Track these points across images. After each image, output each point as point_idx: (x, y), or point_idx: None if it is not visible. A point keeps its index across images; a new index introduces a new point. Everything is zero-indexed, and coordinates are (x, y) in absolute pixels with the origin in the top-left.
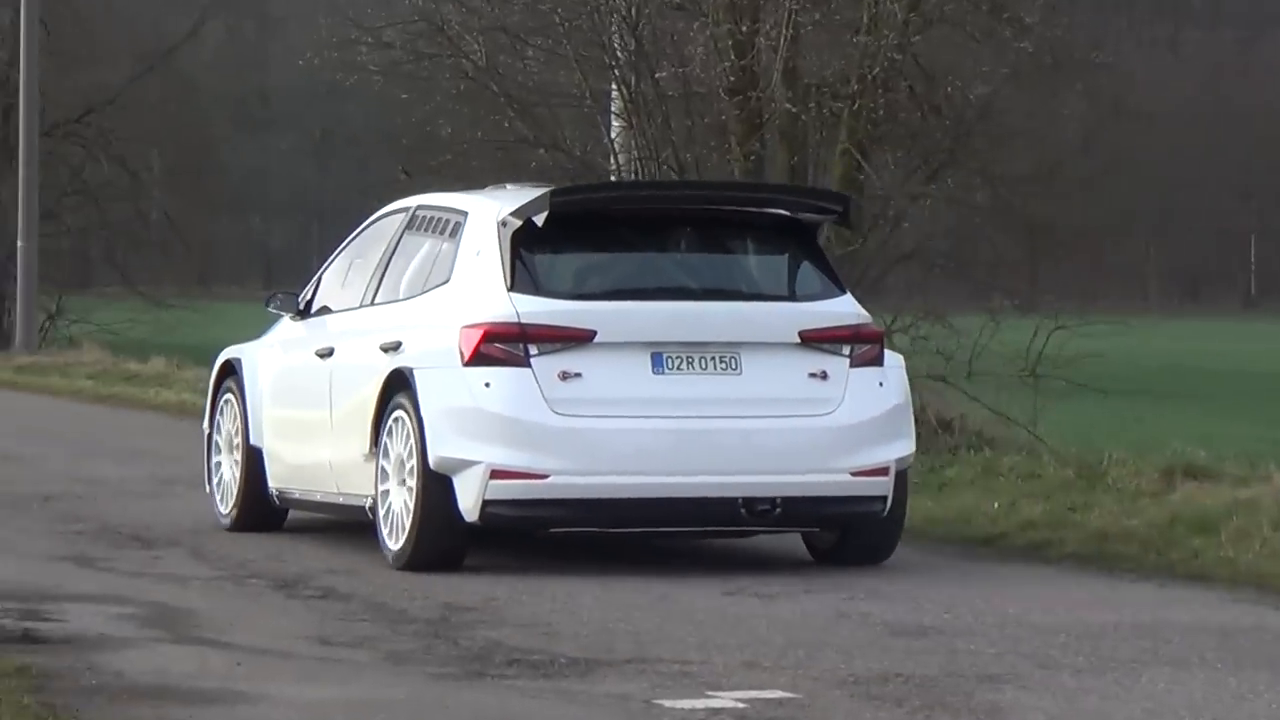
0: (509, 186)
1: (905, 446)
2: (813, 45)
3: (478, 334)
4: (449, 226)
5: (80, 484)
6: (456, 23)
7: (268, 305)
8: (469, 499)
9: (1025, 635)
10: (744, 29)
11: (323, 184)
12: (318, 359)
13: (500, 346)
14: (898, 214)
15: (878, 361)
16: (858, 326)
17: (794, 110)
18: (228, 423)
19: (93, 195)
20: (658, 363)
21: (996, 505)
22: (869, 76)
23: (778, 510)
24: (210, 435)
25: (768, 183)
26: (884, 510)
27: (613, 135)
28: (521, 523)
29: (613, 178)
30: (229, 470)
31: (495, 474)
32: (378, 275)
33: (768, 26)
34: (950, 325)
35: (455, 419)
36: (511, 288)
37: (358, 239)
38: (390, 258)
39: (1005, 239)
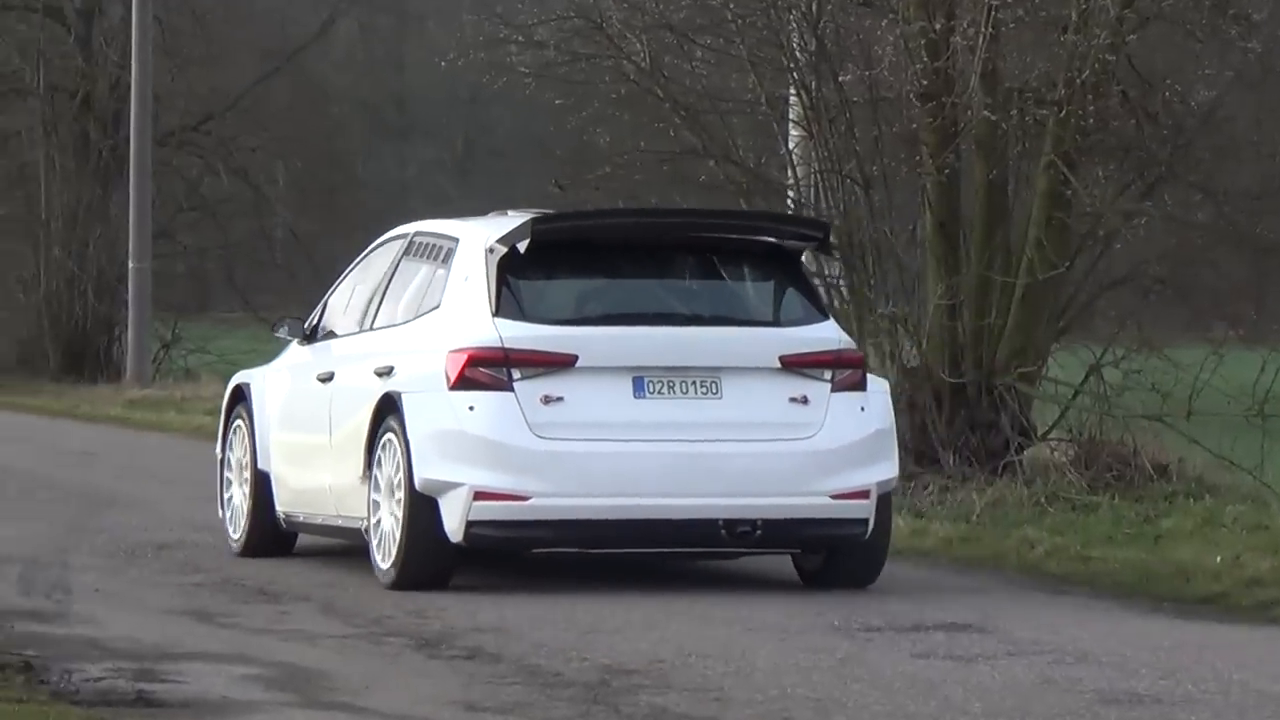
0: (510, 213)
1: (887, 470)
2: (1014, 45)
3: (462, 358)
4: (441, 253)
5: (199, 531)
6: (617, 20)
7: (275, 330)
8: (453, 520)
9: (1252, 704)
10: (938, 27)
11: (464, 199)
12: (319, 384)
13: (484, 371)
14: (1108, 234)
15: (860, 386)
16: (839, 352)
17: (993, 118)
18: (238, 447)
19: (211, 211)
20: (639, 387)
21: (1219, 559)
22: (1077, 80)
23: (758, 532)
24: (222, 460)
25: (748, 210)
26: (865, 533)
27: (790, 145)
28: (505, 543)
29: (790, 192)
30: (239, 495)
31: (479, 495)
32: (377, 300)
33: (964, 24)
34: (1167, 358)
35: (440, 442)
36: (496, 313)
37: (360, 264)
38: (389, 283)
39: (1229, 261)
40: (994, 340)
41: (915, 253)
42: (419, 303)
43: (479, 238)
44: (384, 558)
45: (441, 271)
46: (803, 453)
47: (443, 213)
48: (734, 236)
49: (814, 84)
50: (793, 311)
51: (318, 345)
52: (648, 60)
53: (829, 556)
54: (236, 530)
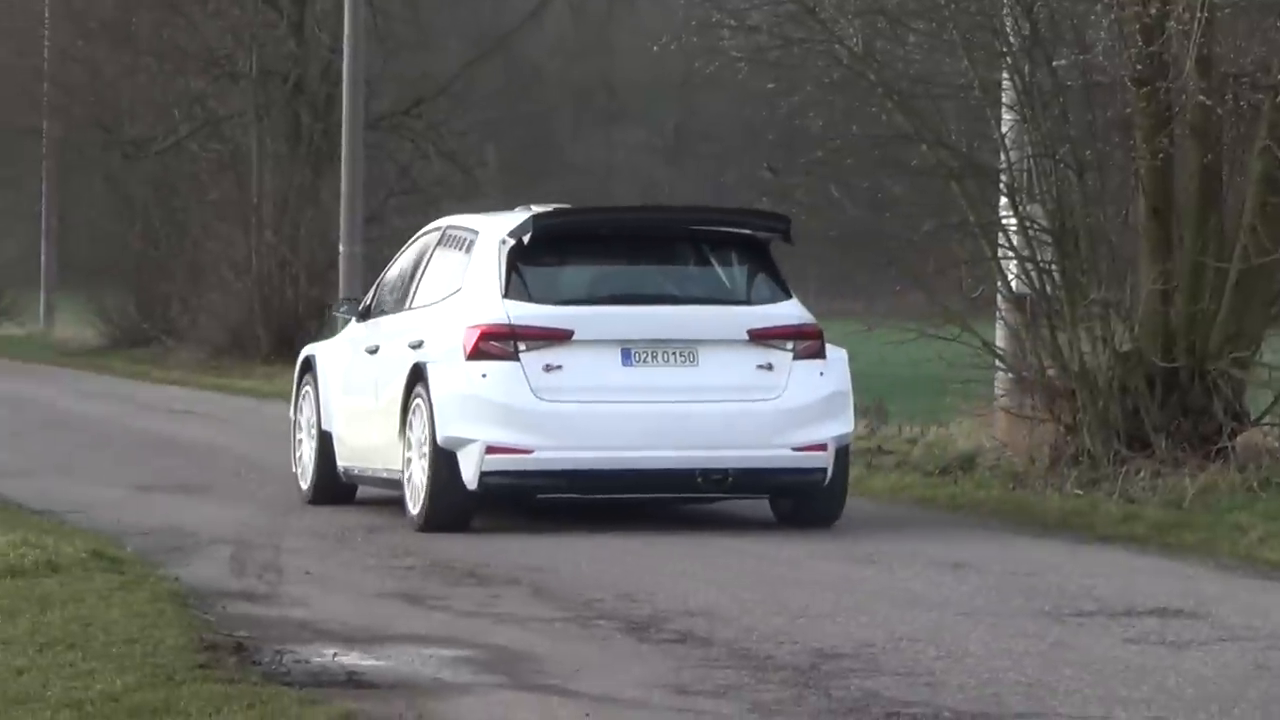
0: (532, 208)
1: (843, 426)
2: (1230, 30)
3: (476, 333)
4: (465, 243)
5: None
6: (830, 5)
7: (334, 311)
8: (470, 471)
9: None
10: (1152, 12)
11: (675, 183)
12: (368, 355)
13: (495, 344)
14: None
15: (819, 355)
16: (800, 326)
17: (1208, 103)
18: (306, 410)
19: (423, 195)
20: (626, 357)
21: None
22: None
23: (730, 480)
24: (295, 421)
25: (721, 206)
26: (825, 480)
27: (1003, 130)
28: (513, 490)
29: (1002, 177)
30: (308, 452)
31: (490, 450)
32: (415, 284)
33: (1179, 9)
34: None
35: (458, 404)
36: (505, 295)
37: (405, 252)
38: (425, 269)
39: None
40: (1207, 325)
41: (1128, 238)
42: (446, 286)
43: (494, 230)
44: (414, 504)
45: (464, 259)
46: (768, 412)
47: (652, 198)
48: (710, 229)
49: (1027, 68)
50: (760, 292)
51: (369, 323)
52: (860, 44)
53: (797, 500)
54: (305, 481)
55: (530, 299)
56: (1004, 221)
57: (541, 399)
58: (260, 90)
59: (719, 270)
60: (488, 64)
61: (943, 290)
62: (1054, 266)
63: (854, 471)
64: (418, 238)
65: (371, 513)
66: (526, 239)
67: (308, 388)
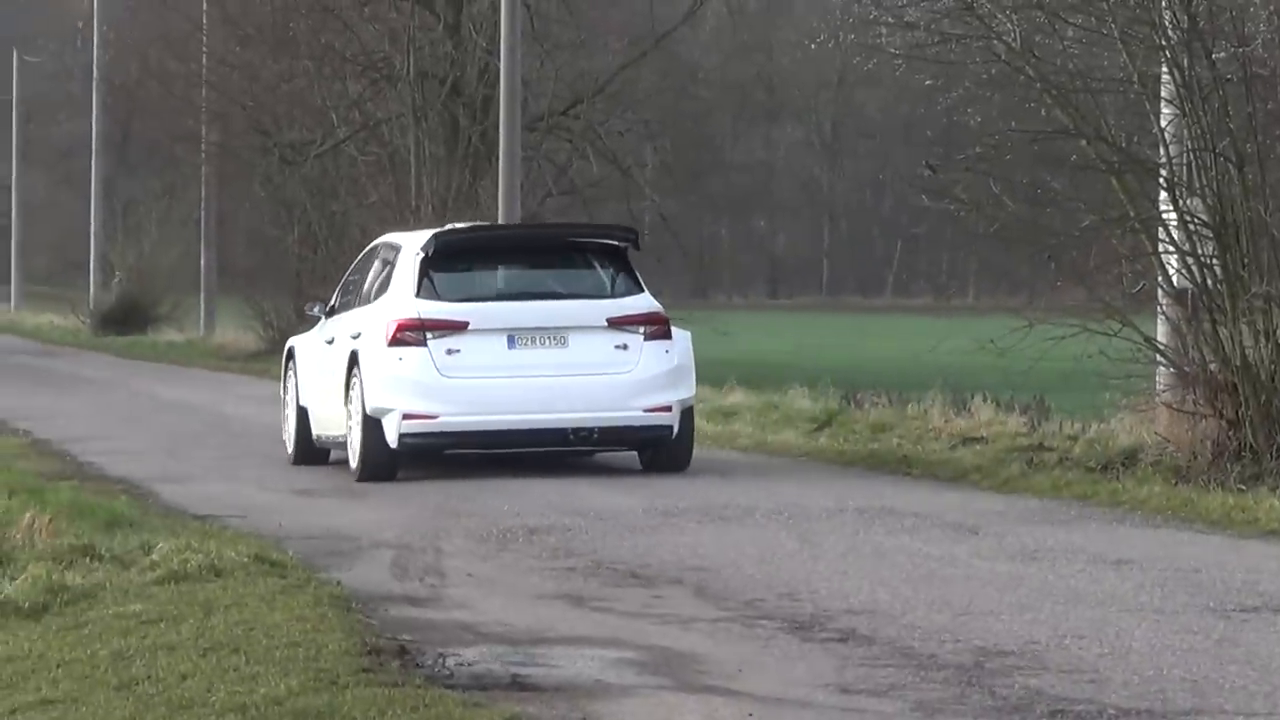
0: (456, 225)
1: (686, 391)
2: None
3: (395, 325)
4: (394, 256)
5: (570, 515)
6: (988, 0)
7: (307, 310)
8: (391, 433)
9: None
10: None
11: (833, 180)
12: (327, 345)
13: (409, 334)
14: None
15: (666, 336)
16: (649, 314)
17: None
18: (290, 389)
19: (580, 195)
20: (511, 342)
21: None
22: None
23: (596, 436)
24: (283, 399)
25: (583, 222)
26: (672, 435)
27: (1163, 124)
28: (425, 448)
29: (1162, 171)
30: (290, 423)
31: (406, 416)
32: (360, 287)
33: None
34: None
35: (382, 381)
36: (418, 295)
37: (357, 262)
38: (368, 276)
39: None
40: None
41: None
42: (379, 289)
43: (412, 246)
44: (354, 460)
45: (391, 268)
46: (624, 382)
47: (811, 196)
48: (578, 239)
49: (1187, 61)
50: (619, 288)
51: (332, 320)
52: (1018, 40)
53: (654, 451)
54: (290, 447)
55: (436, 298)
56: (1164, 216)
57: (445, 376)
58: (417, 93)
59: (585, 272)
60: (645, 63)
61: (1103, 285)
62: (1215, 260)
63: (1014, 468)
64: (366, 251)
65: (533, 514)
66: (430, 252)
67: (290, 371)
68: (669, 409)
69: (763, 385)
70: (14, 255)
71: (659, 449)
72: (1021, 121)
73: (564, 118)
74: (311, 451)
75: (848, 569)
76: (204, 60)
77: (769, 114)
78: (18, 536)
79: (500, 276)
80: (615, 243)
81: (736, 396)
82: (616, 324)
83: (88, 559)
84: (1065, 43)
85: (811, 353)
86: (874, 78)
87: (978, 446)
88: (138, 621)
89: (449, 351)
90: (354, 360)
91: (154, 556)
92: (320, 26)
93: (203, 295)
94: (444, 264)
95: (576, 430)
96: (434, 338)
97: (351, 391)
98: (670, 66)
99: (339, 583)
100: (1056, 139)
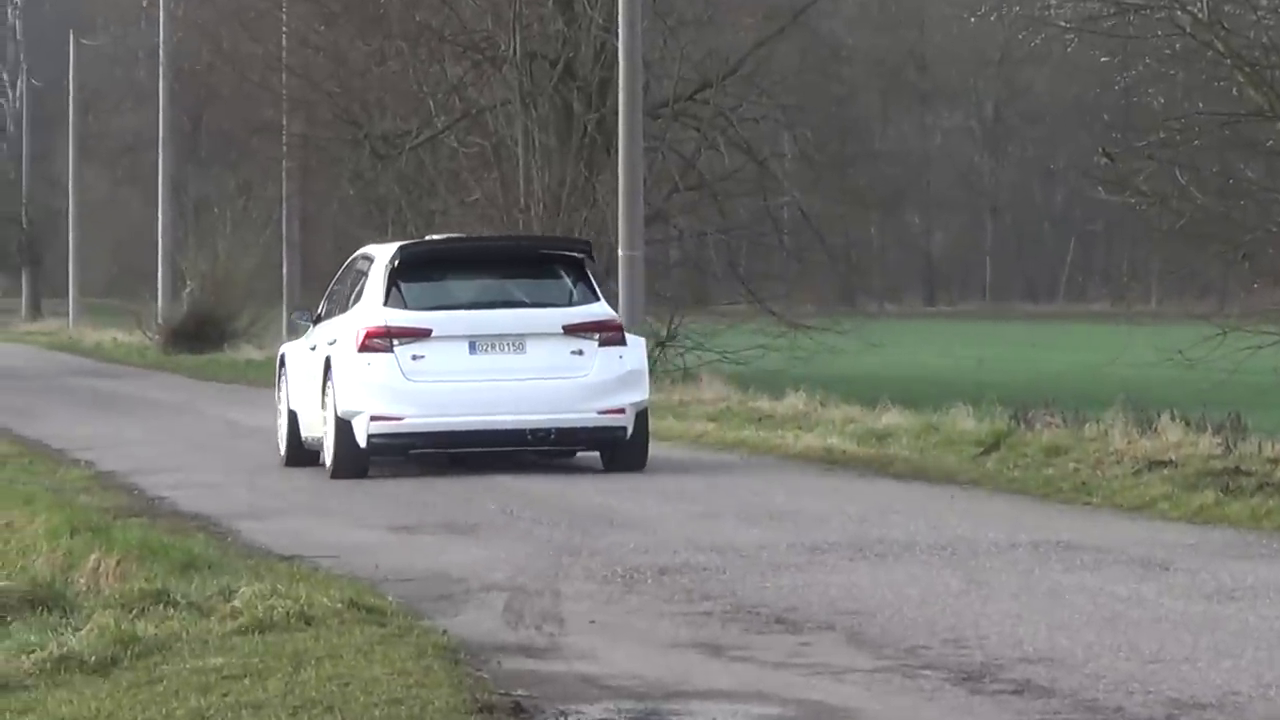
0: (430, 237)
1: (639, 394)
2: None
3: (363, 333)
4: (368, 265)
5: (705, 552)
6: None
7: (292, 317)
8: (360, 434)
9: None
10: None
11: (996, 170)
12: (310, 351)
13: (377, 340)
14: None
15: (620, 343)
16: (602, 321)
17: None
18: (282, 395)
19: (710, 191)
20: (473, 348)
21: None
22: None
23: (552, 437)
24: (277, 403)
25: (541, 235)
26: (626, 435)
27: None
28: (392, 448)
29: None
30: (282, 426)
31: (374, 418)
32: (340, 297)
33: None
34: None
35: (352, 385)
36: (385, 304)
37: (340, 272)
38: (347, 285)
39: None
40: None
41: None
42: (352, 298)
43: (384, 256)
44: (328, 460)
45: (365, 279)
46: (579, 385)
47: (969, 186)
48: (537, 251)
49: None
50: (576, 297)
51: (317, 327)
52: (1205, 10)
53: (612, 452)
54: (282, 448)
55: (403, 306)
56: None
57: (410, 380)
58: (526, 76)
59: (546, 282)
60: (782, 41)
61: None
62: None
63: (1207, 495)
64: (347, 263)
65: (662, 550)
66: (397, 263)
67: (283, 377)
68: (622, 411)
69: (920, 404)
70: (71, 264)
71: (616, 449)
72: (1209, 103)
73: (691, 103)
74: (302, 453)
75: (1021, 611)
76: (283, 41)
77: (922, 97)
78: (82, 581)
79: (464, 286)
80: (571, 253)
81: (891, 417)
82: (572, 330)
83: (161, 606)
84: (1259, 13)
85: (975, 366)
86: (1041, 54)
87: (1165, 471)
88: (218, 676)
89: (414, 357)
90: (328, 365)
91: (235, 603)
92: (415, 2)
93: (285, 307)
94: (411, 274)
95: (534, 431)
96: (400, 344)
97: (325, 396)
98: (810, 44)
99: (445, 631)
100: (1250, 122)
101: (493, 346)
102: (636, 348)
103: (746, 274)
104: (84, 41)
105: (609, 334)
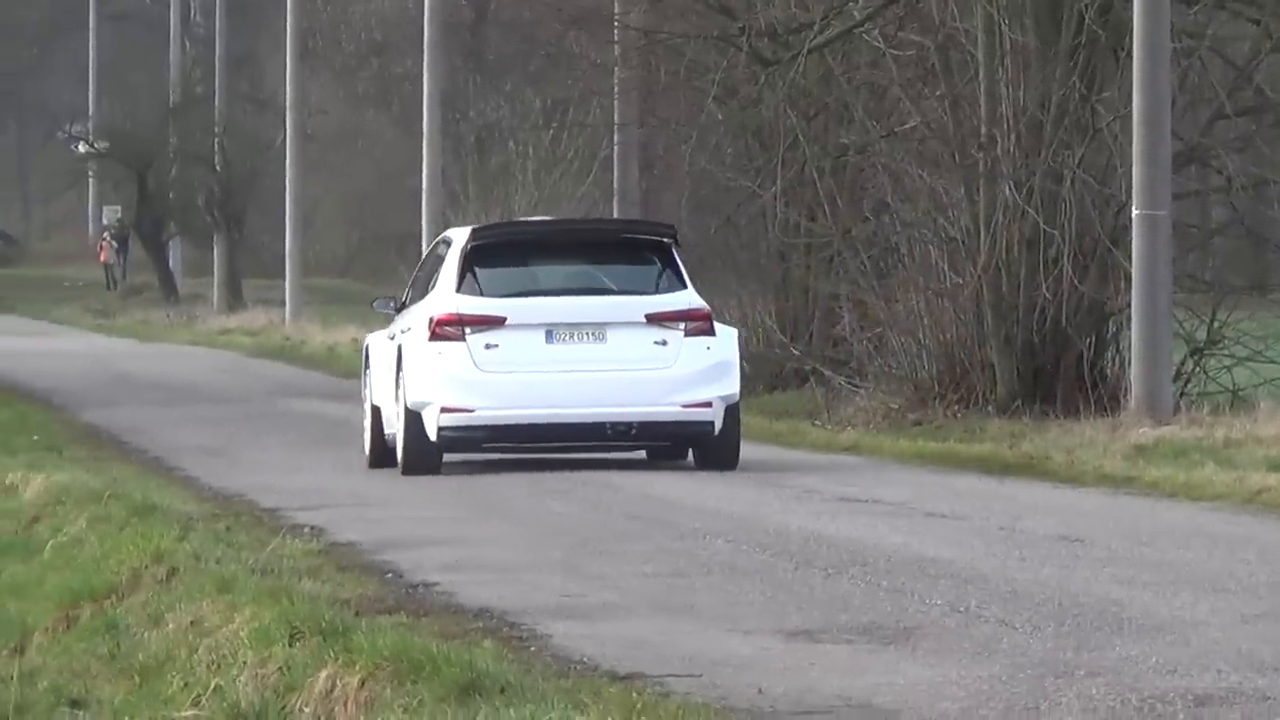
0: (521, 219)
1: (728, 388)
2: None
3: (434, 321)
4: (446, 249)
5: (1267, 674)
6: None
7: (376, 306)
8: (431, 427)
9: None
10: None
11: None
12: (389, 340)
13: (448, 329)
14: None
15: (709, 333)
16: (688, 310)
17: None
18: (367, 388)
19: (1277, 117)
20: (549, 337)
21: None
22: None
23: (633, 432)
24: (363, 399)
25: (629, 219)
26: (713, 431)
27: None
28: (463, 442)
29: None
30: (366, 424)
31: (444, 410)
32: (420, 284)
33: None
34: None
35: (421, 375)
36: (458, 290)
37: (425, 256)
38: (428, 271)
39: None
40: None
41: None
42: (430, 284)
43: (461, 240)
44: (400, 454)
45: (441, 264)
46: (663, 378)
47: None
48: (621, 235)
49: None
50: (662, 283)
51: (400, 315)
52: None
53: (702, 450)
54: (367, 449)
55: (476, 293)
56: None
57: (482, 370)
58: None
59: (628, 268)
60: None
61: None
62: None
63: None
64: (431, 246)
65: (1198, 669)
66: (471, 247)
67: (367, 371)
68: (709, 405)
69: None
70: (289, 227)
71: (704, 447)
72: None
73: None
74: (387, 451)
75: None
76: None
77: None
78: (307, 712)
79: (541, 272)
80: (658, 237)
81: None
82: (656, 320)
83: None
84: None
85: None
86: None
87: None
88: None
89: (487, 346)
90: (400, 355)
91: None
92: None
93: None
94: (486, 259)
95: (614, 425)
96: (472, 332)
97: (397, 388)
98: None
99: None
100: None
101: (571, 336)
102: (727, 338)
103: None
104: None
105: (696, 323)
